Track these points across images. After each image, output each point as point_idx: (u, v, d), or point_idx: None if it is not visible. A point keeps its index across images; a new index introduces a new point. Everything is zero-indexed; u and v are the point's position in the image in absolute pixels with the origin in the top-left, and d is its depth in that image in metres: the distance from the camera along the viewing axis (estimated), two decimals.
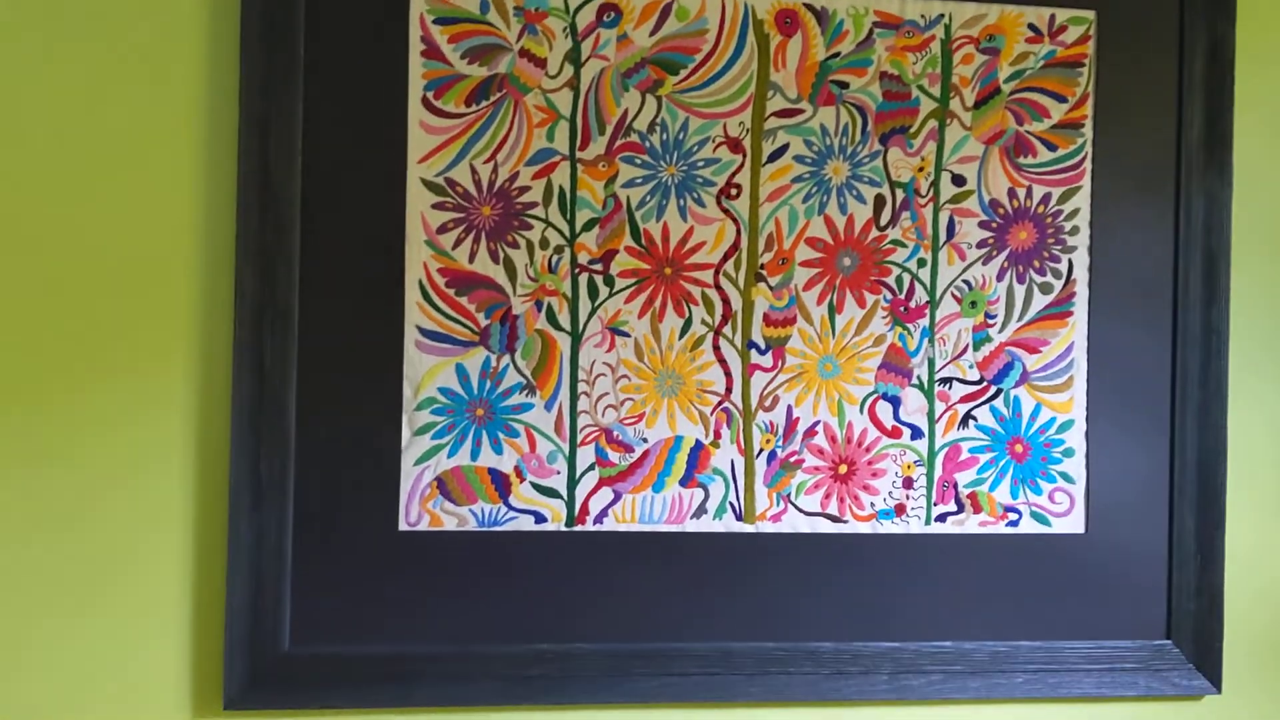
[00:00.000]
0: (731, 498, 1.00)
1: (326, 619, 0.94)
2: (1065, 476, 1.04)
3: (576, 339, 0.98)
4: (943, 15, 1.01)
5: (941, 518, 1.03)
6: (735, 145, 0.99)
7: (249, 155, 0.92)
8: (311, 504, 0.94)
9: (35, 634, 0.93)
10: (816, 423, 1.01)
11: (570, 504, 0.98)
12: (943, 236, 1.02)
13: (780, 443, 1.00)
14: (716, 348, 1.00)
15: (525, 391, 0.97)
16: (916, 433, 1.02)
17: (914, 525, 1.02)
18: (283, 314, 0.93)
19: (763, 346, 1.00)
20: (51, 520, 0.93)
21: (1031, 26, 1.03)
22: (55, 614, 0.93)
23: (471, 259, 0.96)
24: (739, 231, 0.99)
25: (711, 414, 1.00)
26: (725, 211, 0.99)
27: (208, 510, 0.94)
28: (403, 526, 0.95)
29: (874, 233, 1.01)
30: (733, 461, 1.00)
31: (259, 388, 0.93)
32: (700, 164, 0.99)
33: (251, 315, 0.92)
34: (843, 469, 1.01)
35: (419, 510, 0.96)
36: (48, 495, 0.93)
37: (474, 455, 0.96)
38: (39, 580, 0.93)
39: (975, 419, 1.03)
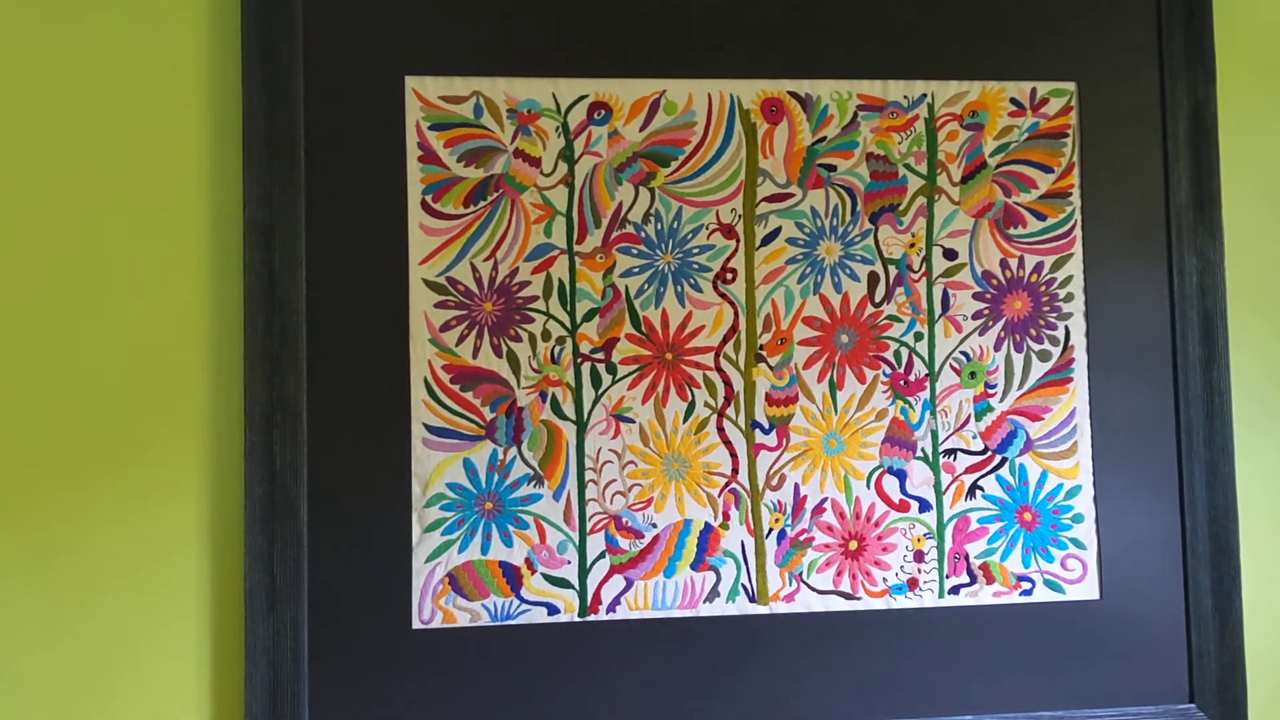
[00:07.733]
0: (744, 579, 1.00)
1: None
2: (1076, 543, 1.04)
3: (582, 427, 0.99)
4: (925, 95, 1.03)
5: (955, 590, 1.02)
6: (728, 231, 1.01)
7: (254, 264, 0.94)
8: (326, 605, 0.95)
9: None
10: (824, 500, 1.01)
11: (582, 594, 0.98)
12: (938, 310, 1.03)
13: (789, 521, 1.01)
14: (721, 429, 1.00)
15: (533, 482, 0.98)
16: (924, 505, 1.02)
17: (927, 599, 1.02)
18: (292, 418, 0.94)
19: (766, 426, 1.01)
20: (64, 620, 0.94)
21: (1013, 101, 1.05)
22: (76, 713, 0.94)
23: (475, 354, 0.98)
24: (737, 314, 1.01)
25: (719, 495, 1.00)
26: (722, 295, 1.01)
27: (223, 612, 0.95)
28: (416, 625, 0.96)
29: (869, 309, 1.02)
30: (743, 542, 1.00)
31: (271, 491, 0.94)
32: (695, 251, 1.01)
33: (262, 420, 0.94)
34: (853, 545, 1.02)
35: (432, 608, 0.96)
36: (61, 597, 0.94)
37: (484, 549, 0.97)
38: (57, 686, 0.94)
39: (982, 489, 1.03)
